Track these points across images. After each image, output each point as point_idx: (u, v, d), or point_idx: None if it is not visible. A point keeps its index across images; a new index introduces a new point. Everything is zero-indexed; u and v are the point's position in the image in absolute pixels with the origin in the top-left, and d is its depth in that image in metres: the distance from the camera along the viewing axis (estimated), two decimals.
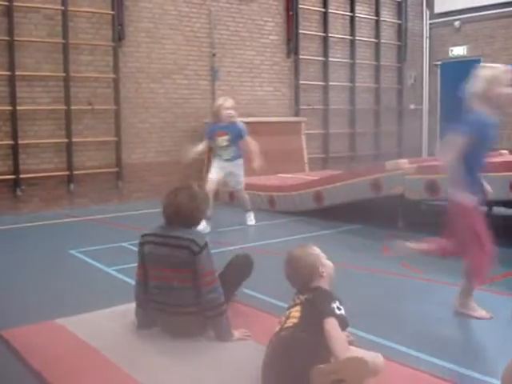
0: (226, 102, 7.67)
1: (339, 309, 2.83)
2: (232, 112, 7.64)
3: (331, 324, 2.73)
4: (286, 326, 2.81)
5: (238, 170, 7.70)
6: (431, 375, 3.06)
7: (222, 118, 7.60)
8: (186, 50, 10.85)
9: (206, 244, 3.37)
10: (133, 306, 3.70)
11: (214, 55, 11.12)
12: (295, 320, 2.80)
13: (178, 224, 3.44)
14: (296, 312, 2.84)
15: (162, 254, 3.39)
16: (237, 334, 3.42)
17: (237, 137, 7.62)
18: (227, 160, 7.63)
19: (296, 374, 2.59)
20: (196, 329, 3.43)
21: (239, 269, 3.78)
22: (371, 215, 7.71)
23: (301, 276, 3.01)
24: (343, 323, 2.82)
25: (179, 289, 3.35)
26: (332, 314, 2.78)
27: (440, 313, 4.22)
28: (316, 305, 2.83)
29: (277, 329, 2.88)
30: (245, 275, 3.81)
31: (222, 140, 7.61)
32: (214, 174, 7.62)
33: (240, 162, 7.71)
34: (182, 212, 3.42)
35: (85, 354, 3.32)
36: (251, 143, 7.64)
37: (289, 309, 2.94)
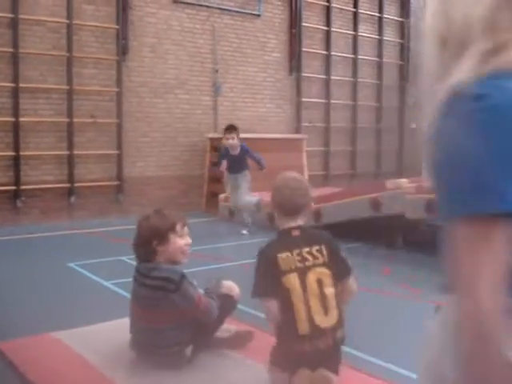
0: None
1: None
2: None
3: (352, 280, 2.83)
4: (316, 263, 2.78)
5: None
6: None
7: None
8: (189, 66, 10.91)
9: (181, 278, 3.17)
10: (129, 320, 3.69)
11: (216, 71, 11.18)
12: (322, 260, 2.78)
13: (149, 254, 3.28)
14: (317, 252, 2.79)
15: (140, 294, 3.27)
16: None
17: None
18: None
19: None
20: (172, 368, 3.24)
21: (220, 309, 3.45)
22: (371, 234, 7.71)
23: (306, 198, 2.90)
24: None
25: (155, 331, 3.22)
26: (350, 270, 2.85)
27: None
28: (342, 258, 2.84)
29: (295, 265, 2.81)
30: (226, 314, 3.51)
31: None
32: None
33: None
34: (144, 234, 3.28)
35: (80, 369, 3.31)
36: None
37: (296, 247, 2.81)
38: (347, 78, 13.32)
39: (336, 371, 2.76)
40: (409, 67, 14.53)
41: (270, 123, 12.08)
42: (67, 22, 9.39)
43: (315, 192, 9.70)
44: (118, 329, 3.87)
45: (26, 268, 6.24)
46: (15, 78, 8.93)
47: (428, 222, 8.04)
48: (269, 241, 2.92)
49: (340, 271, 2.83)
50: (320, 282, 2.75)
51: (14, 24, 8.90)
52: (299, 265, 2.77)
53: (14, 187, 9.03)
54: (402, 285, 5.54)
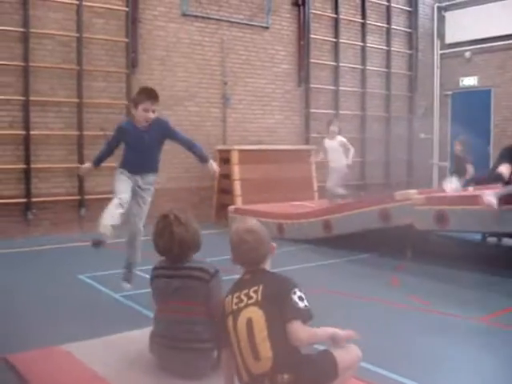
0: None
1: (301, 298, 2.62)
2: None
3: (296, 327, 2.55)
4: (248, 302, 2.64)
5: None
6: None
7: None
8: (198, 78, 10.96)
9: (216, 271, 3.32)
10: (140, 332, 3.71)
11: (225, 83, 11.23)
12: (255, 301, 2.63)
13: (185, 257, 3.37)
14: (253, 292, 2.66)
15: (174, 287, 3.30)
16: None
17: None
18: None
19: None
20: (198, 369, 3.25)
21: None
22: (380, 245, 7.70)
23: (258, 252, 2.79)
24: (307, 316, 2.60)
25: (189, 323, 3.23)
26: (296, 315, 2.58)
27: (434, 344, 4.20)
28: (289, 300, 2.60)
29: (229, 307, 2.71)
30: None
31: None
32: None
33: None
34: (185, 244, 3.34)
35: (90, 382, 3.31)
36: None
37: (240, 289, 2.74)
38: (356, 89, 13.33)
39: None
40: (417, 77, 14.54)
41: (278, 134, 12.10)
42: (77, 35, 9.47)
43: (325, 203, 9.77)
44: (129, 341, 3.88)
45: (36, 280, 6.26)
46: (26, 92, 9.01)
47: (437, 232, 8.03)
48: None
49: (283, 313, 2.60)
50: (249, 323, 2.60)
51: (24, 38, 8.99)
52: (234, 307, 2.70)
53: (24, 199, 9.09)
54: (410, 296, 5.52)
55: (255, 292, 2.66)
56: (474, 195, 7.13)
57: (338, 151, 9.86)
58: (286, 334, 2.56)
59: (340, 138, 9.95)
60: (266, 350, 2.54)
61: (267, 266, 2.83)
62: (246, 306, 2.64)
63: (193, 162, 10.74)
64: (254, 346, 2.56)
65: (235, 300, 2.71)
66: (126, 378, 3.34)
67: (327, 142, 10.00)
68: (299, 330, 2.56)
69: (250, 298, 2.66)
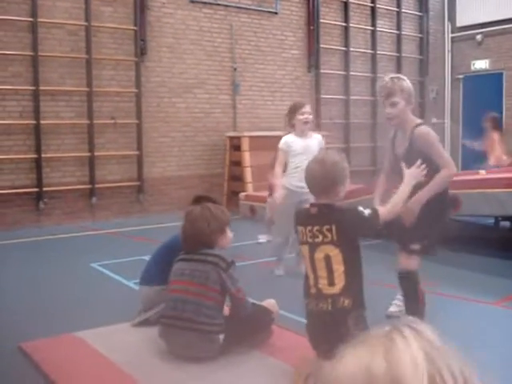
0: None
1: (365, 209, 3.14)
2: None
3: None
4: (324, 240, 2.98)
5: None
6: None
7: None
8: (207, 65, 10.92)
9: (232, 262, 3.45)
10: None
11: (235, 70, 11.19)
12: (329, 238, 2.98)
13: (194, 250, 3.53)
14: (327, 231, 2.97)
15: (187, 268, 3.45)
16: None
17: None
18: None
19: None
20: (204, 351, 3.34)
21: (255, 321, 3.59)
22: (389, 229, 7.64)
23: (329, 180, 3.02)
24: (378, 218, 3.17)
25: (196, 304, 3.34)
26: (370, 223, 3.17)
27: (446, 328, 4.17)
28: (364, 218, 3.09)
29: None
30: (262, 325, 3.65)
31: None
32: None
33: None
34: (191, 239, 3.52)
35: (103, 368, 3.34)
36: None
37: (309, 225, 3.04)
38: (366, 74, 13.24)
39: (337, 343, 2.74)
40: (428, 61, 14.42)
41: None
42: (85, 24, 9.45)
43: None
44: (141, 328, 3.90)
45: (48, 269, 6.30)
46: (35, 81, 9.02)
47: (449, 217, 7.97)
48: (301, 208, 3.32)
49: (359, 231, 3.18)
50: (328, 259, 2.96)
51: (33, 27, 8.99)
52: (310, 240, 3.02)
53: (36, 189, 9.12)
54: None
55: (329, 231, 2.96)
56: (486, 178, 7.09)
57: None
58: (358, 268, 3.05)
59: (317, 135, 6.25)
60: (340, 280, 2.94)
61: (333, 200, 3.08)
62: (323, 243, 2.97)
63: (202, 149, 10.83)
64: (331, 276, 2.95)
65: (309, 233, 3.02)
66: (138, 364, 3.36)
67: (297, 141, 6.02)
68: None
69: (324, 236, 2.96)
